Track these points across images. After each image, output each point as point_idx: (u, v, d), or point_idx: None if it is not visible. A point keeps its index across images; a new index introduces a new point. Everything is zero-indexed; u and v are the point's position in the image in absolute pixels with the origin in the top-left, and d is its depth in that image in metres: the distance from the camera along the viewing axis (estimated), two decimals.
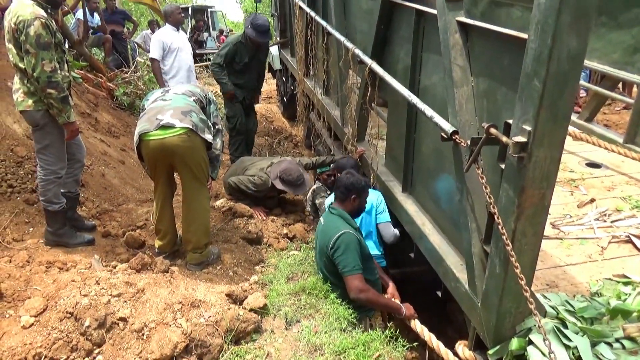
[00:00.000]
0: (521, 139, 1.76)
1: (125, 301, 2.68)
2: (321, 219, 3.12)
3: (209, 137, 3.13)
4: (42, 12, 2.90)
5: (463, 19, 2.30)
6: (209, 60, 14.27)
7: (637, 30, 3.99)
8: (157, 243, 3.41)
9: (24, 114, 3.09)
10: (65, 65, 3.16)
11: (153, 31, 11.09)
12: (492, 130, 1.92)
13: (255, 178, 4.26)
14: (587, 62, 4.55)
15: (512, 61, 1.96)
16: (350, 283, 2.73)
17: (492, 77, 2.18)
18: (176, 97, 3.16)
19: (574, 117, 4.73)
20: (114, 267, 3.09)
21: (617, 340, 1.96)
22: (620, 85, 5.93)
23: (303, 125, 7.42)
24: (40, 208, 3.49)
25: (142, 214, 4.07)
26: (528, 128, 1.73)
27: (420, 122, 3.02)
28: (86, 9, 7.35)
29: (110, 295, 2.69)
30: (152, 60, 5.64)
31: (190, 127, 2.98)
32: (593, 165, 3.81)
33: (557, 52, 1.60)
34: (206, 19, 17.13)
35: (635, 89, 5.91)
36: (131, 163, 5.39)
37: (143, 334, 2.52)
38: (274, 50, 9.57)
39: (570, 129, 4.50)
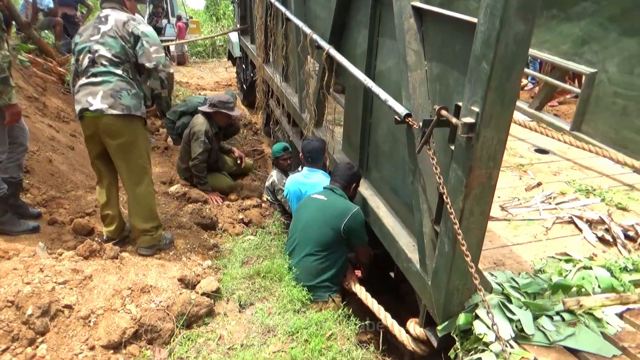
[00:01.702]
0: (470, 120, 1.79)
1: (72, 288, 2.59)
2: (318, 196, 3.24)
3: (144, 110, 3.06)
4: None
5: (418, 3, 2.32)
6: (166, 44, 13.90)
7: (585, 23, 4.15)
8: (105, 230, 3.30)
9: None
10: (5, 44, 2.99)
11: None
12: (443, 112, 1.95)
13: (193, 137, 4.40)
14: (538, 53, 4.71)
15: (463, 45, 1.99)
16: (366, 250, 3.21)
17: (444, 61, 2.21)
18: (105, 72, 2.94)
19: (524, 106, 4.90)
20: (60, 255, 2.97)
21: (557, 313, 2.04)
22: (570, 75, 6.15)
23: (262, 113, 7.34)
24: None
25: (91, 200, 3.93)
26: (476, 109, 1.77)
27: (376, 106, 3.04)
28: None
29: (55, 282, 2.59)
30: None
31: (120, 112, 2.91)
32: (541, 151, 3.95)
33: (504, 35, 1.64)
34: (165, 5, 16.61)
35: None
36: (81, 149, 5.17)
37: (90, 321, 2.44)
38: (233, 37, 9.42)
39: (521, 117, 4.65)
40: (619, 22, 3.80)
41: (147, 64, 2.98)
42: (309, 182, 3.65)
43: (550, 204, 3.02)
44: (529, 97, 5.76)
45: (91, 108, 2.87)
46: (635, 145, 3.60)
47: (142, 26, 3.03)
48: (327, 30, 3.58)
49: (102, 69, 2.95)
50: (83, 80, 2.99)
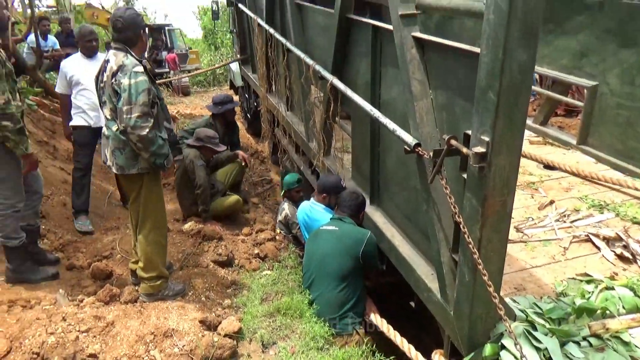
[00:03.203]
0: (480, 149, 1.81)
1: (95, 336, 2.60)
2: (328, 227, 3.28)
3: (137, 167, 2.93)
4: None
5: (418, 34, 2.36)
6: (167, 77, 14.15)
7: (582, 36, 4.19)
8: (132, 267, 3.35)
9: None
10: (18, 95, 3.06)
11: None
12: (453, 142, 1.98)
13: (193, 164, 4.56)
14: (538, 68, 4.74)
15: (467, 74, 2.02)
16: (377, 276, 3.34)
17: (449, 89, 2.24)
18: (108, 127, 2.95)
19: (529, 122, 4.91)
20: (81, 301, 3.00)
21: (584, 338, 2.02)
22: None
23: (269, 142, 7.40)
24: None
25: (107, 243, 3.96)
26: (486, 139, 1.79)
27: (384, 135, 3.07)
28: (37, 33, 7.16)
29: (79, 331, 2.61)
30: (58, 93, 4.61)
31: (116, 172, 3.03)
32: (550, 167, 3.94)
33: (508, 65, 1.66)
34: (164, 38, 16.98)
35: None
36: (93, 190, 5.24)
37: None
38: (234, 66, 9.56)
39: (527, 133, 4.66)
40: (615, 34, 3.83)
41: (119, 126, 2.83)
42: (312, 216, 3.72)
43: (564, 222, 3.01)
44: (532, 110, 5.77)
45: (107, 162, 3.04)
46: None
47: (125, 78, 2.74)
48: (328, 58, 3.62)
49: (106, 122, 3.01)
50: (104, 128, 3.09)
